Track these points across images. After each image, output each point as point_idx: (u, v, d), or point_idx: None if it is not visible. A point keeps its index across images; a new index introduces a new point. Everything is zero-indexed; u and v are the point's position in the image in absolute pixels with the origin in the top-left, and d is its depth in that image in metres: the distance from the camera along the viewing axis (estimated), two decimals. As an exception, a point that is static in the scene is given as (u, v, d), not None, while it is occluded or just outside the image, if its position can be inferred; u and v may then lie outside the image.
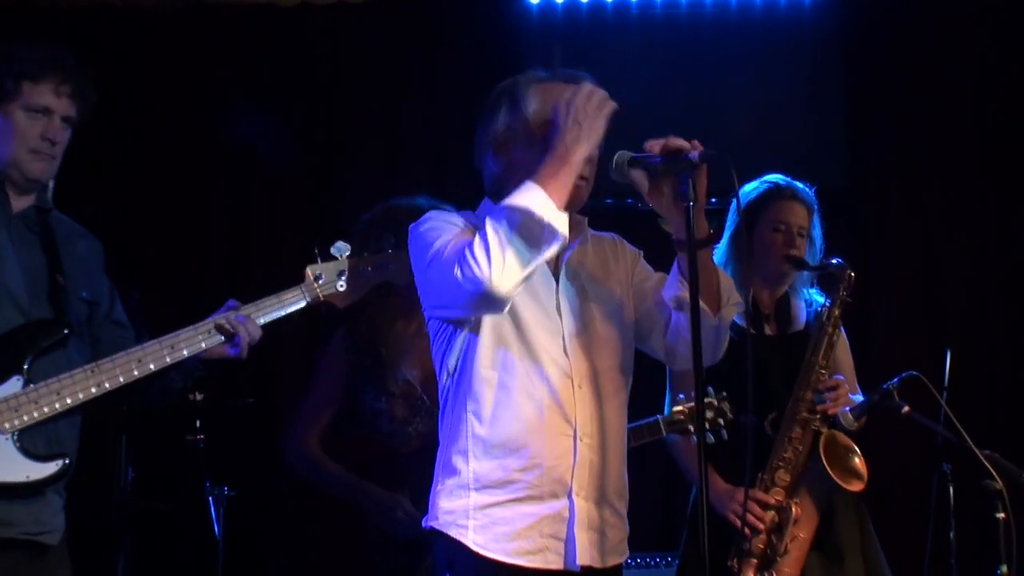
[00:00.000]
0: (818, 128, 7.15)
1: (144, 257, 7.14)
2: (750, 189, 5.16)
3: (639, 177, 3.44)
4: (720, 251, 5.08)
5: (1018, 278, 6.87)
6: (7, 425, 3.62)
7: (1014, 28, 7.26)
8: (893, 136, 7.20)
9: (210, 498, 5.96)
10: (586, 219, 3.75)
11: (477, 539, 3.42)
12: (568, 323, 3.59)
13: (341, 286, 4.02)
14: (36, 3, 7.53)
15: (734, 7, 7.21)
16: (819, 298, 5.17)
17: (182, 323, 3.95)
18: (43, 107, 3.85)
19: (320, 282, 3.99)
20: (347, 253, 4.04)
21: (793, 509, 4.80)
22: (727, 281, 3.65)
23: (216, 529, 5.95)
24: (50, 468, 3.70)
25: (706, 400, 4.31)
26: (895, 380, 4.77)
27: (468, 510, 3.46)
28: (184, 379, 3.96)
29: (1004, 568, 4.51)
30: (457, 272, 3.25)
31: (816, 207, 5.17)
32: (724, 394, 4.49)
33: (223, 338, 3.83)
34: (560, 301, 3.61)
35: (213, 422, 6.05)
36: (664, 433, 4.64)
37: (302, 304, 4.00)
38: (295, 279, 4.01)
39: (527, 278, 3.27)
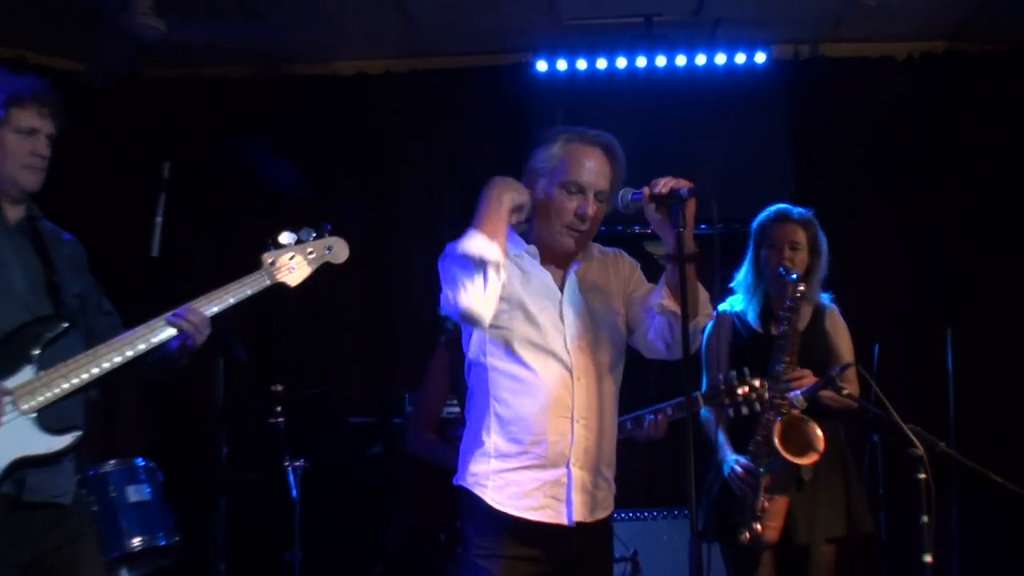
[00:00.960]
0: (770, 161, 7.08)
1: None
2: (758, 218, 5.11)
3: (647, 207, 3.45)
4: (743, 272, 5.13)
5: (928, 282, 6.85)
6: (25, 407, 3.46)
7: (926, 82, 7.22)
8: (828, 166, 7.18)
9: (288, 469, 5.86)
10: (592, 243, 3.78)
11: (494, 496, 3.53)
12: (570, 327, 3.62)
13: (292, 267, 3.85)
14: (146, 75, 7.42)
15: (702, 70, 7.10)
16: (826, 302, 5.09)
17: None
18: (30, 128, 3.69)
19: (274, 266, 3.82)
20: (293, 241, 3.88)
21: (763, 479, 4.68)
22: (704, 295, 3.61)
23: (294, 493, 5.84)
24: (66, 440, 3.55)
25: (748, 382, 4.24)
26: (836, 369, 4.61)
27: (488, 474, 3.56)
28: (160, 366, 3.78)
29: (925, 518, 4.36)
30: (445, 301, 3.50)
31: (813, 222, 5.00)
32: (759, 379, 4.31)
33: (175, 331, 3.65)
34: (563, 309, 3.64)
35: (290, 408, 5.89)
36: (702, 406, 4.51)
37: (265, 285, 3.82)
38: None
39: (486, 298, 3.40)
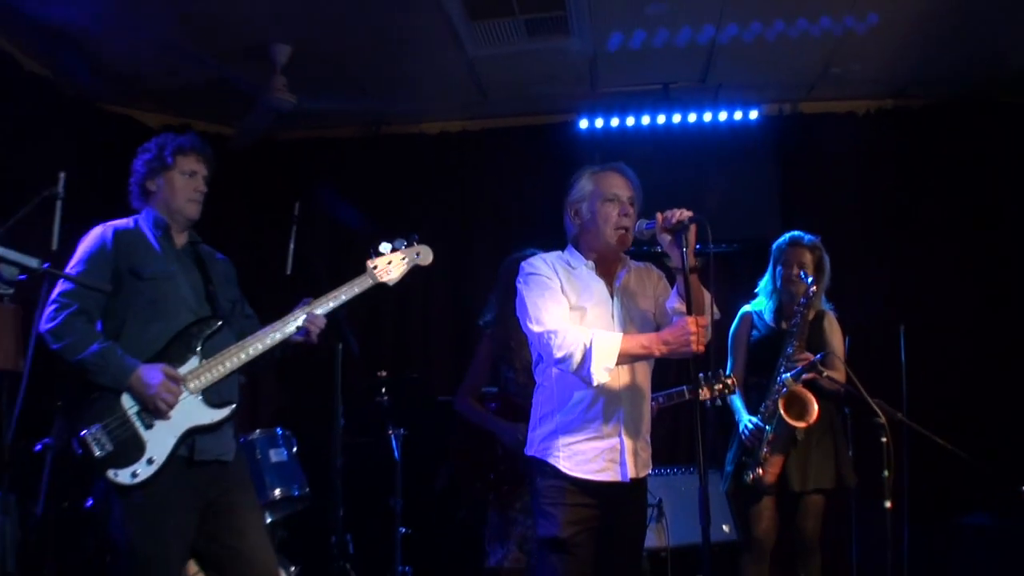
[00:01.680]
0: (762, 198, 7.06)
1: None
2: (777, 242, 5.22)
3: (659, 234, 3.50)
4: (763, 281, 5.27)
5: (884, 290, 6.88)
6: (192, 387, 3.61)
7: (880, 130, 7.22)
8: (805, 197, 7.17)
9: (391, 435, 5.94)
10: (628, 258, 3.85)
11: (565, 464, 3.58)
12: (617, 325, 3.65)
13: (389, 271, 3.97)
14: (279, 136, 7.53)
15: (708, 125, 7.10)
16: (826, 308, 5.20)
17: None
18: (191, 171, 3.87)
19: (376, 269, 3.95)
20: (390, 248, 4.00)
21: (768, 435, 4.86)
22: (708, 297, 3.62)
23: (396, 454, 5.93)
24: (225, 412, 3.69)
25: (723, 380, 4.28)
26: (818, 356, 4.77)
27: (558, 446, 3.60)
28: (282, 350, 3.88)
29: (886, 473, 4.46)
30: (554, 353, 3.48)
31: (819, 247, 5.11)
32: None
33: (297, 327, 3.81)
34: (614, 311, 3.70)
35: (392, 388, 6.00)
36: (687, 396, 4.58)
37: (369, 285, 3.94)
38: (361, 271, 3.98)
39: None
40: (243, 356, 3.70)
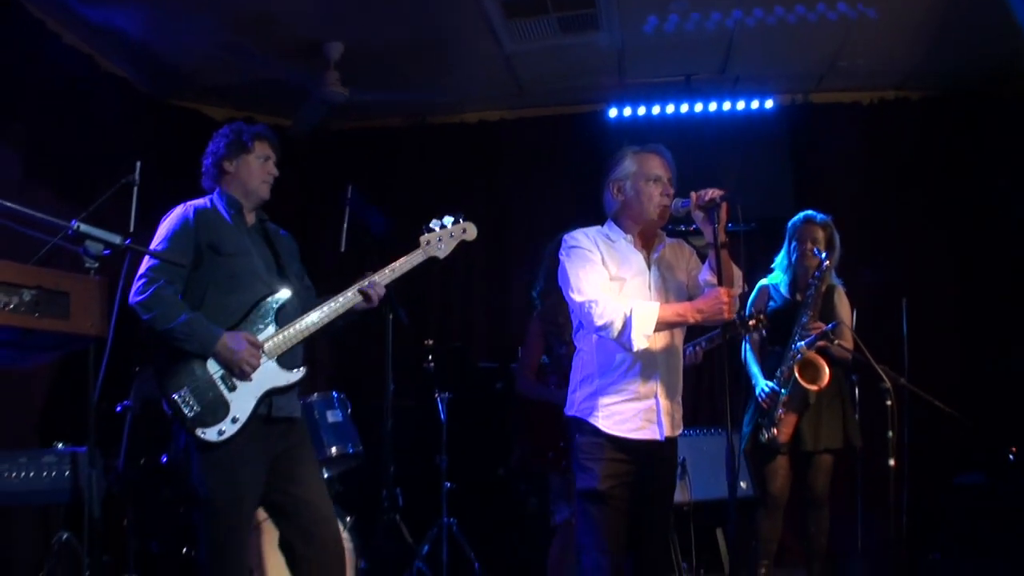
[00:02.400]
0: (777, 180, 7.04)
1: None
2: (792, 220, 5.25)
3: (693, 211, 3.53)
4: (779, 257, 5.30)
5: (889, 264, 6.86)
6: (269, 351, 3.68)
7: (883, 119, 7.21)
8: (816, 179, 7.12)
9: (437, 399, 6.01)
10: (663, 233, 3.82)
11: (604, 423, 3.60)
12: (654, 296, 3.65)
13: (440, 246, 3.98)
14: (332, 126, 7.58)
15: (727, 114, 7.11)
16: (836, 282, 5.21)
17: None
18: (266, 155, 3.93)
19: (428, 245, 3.96)
20: (439, 226, 4.02)
21: (783, 397, 4.89)
22: (738, 272, 3.68)
23: (442, 416, 6.00)
24: (298, 375, 3.75)
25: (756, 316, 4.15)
26: (830, 326, 4.81)
27: (598, 407, 3.61)
28: (345, 318, 3.89)
29: (891, 434, 4.49)
30: (595, 321, 3.51)
31: (830, 225, 5.15)
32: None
33: (362, 297, 3.83)
34: (651, 281, 3.69)
35: (438, 356, 6.05)
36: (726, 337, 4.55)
37: (422, 259, 3.96)
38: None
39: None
40: (313, 323, 3.75)
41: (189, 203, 3.85)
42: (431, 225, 4.00)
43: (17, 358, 3.66)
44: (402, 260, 3.93)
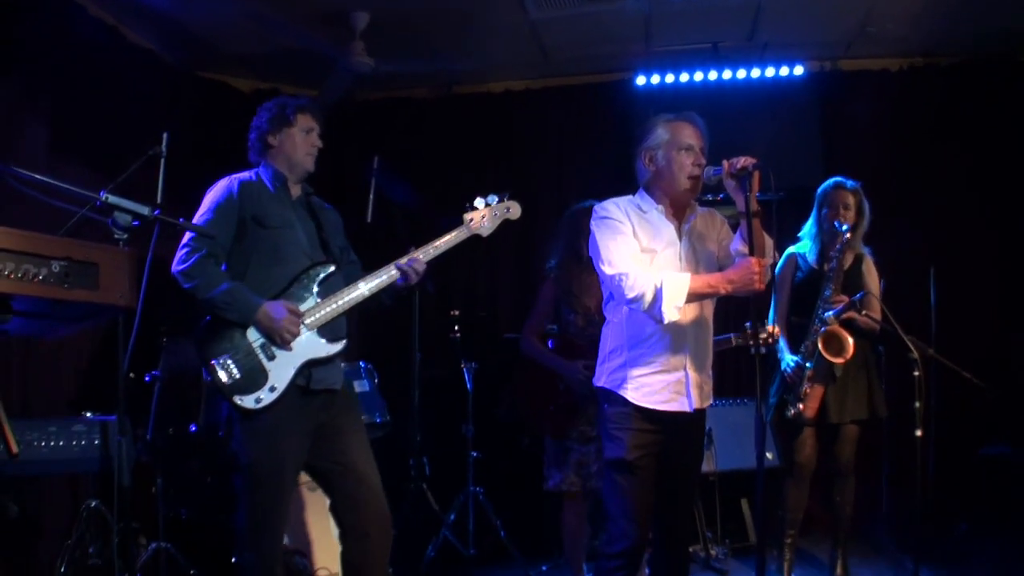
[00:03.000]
0: (806, 149, 7.00)
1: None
2: (821, 186, 5.21)
3: (725, 180, 3.49)
4: (808, 225, 5.27)
5: (918, 234, 6.85)
6: (310, 323, 3.72)
7: (912, 85, 7.17)
8: (846, 147, 7.07)
9: (463, 369, 6.05)
10: (696, 203, 3.79)
11: (633, 395, 3.60)
12: (685, 267, 3.62)
13: (484, 223, 3.99)
14: (357, 96, 7.57)
15: (755, 81, 7.06)
16: (865, 251, 5.18)
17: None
18: (309, 128, 3.95)
19: (472, 222, 3.97)
20: (484, 204, 4.00)
21: (808, 372, 4.88)
22: (769, 241, 3.65)
23: (468, 386, 6.04)
24: (337, 346, 3.80)
25: (766, 330, 4.46)
26: (857, 296, 4.79)
27: (627, 379, 3.61)
28: (388, 295, 3.95)
29: (918, 404, 4.45)
30: (626, 293, 3.50)
31: (859, 191, 5.10)
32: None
33: (399, 273, 3.84)
34: (681, 253, 3.67)
35: (464, 326, 6.07)
36: (733, 343, 4.76)
37: (465, 236, 3.97)
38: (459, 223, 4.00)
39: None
40: (354, 296, 3.79)
41: (234, 176, 3.90)
42: (475, 203, 4.00)
43: (47, 329, 3.70)
44: (446, 238, 3.93)
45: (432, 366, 6.22)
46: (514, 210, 4.06)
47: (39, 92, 5.45)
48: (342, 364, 4.01)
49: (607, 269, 3.58)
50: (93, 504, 4.78)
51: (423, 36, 6.72)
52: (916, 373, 4.51)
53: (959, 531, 6.06)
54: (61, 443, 4.31)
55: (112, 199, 3.08)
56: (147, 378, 5.12)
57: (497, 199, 4.02)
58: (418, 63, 7.22)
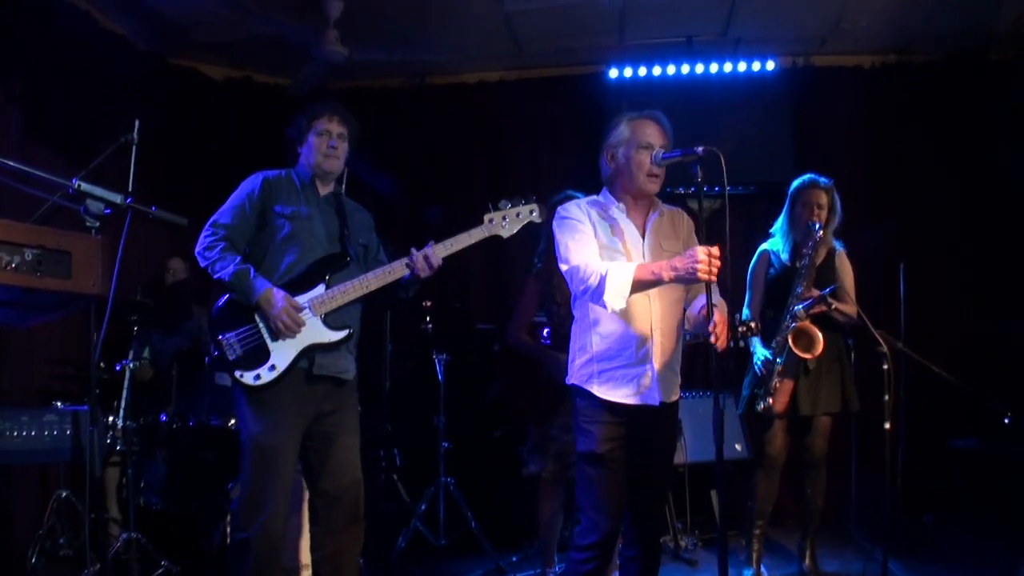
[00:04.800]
0: (777, 144, 7.04)
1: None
2: (794, 183, 5.17)
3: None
4: (780, 221, 5.23)
5: (889, 230, 6.85)
6: (318, 312, 3.84)
7: (884, 82, 7.23)
8: (817, 142, 7.17)
9: (436, 360, 6.04)
10: (659, 201, 3.77)
11: (600, 389, 3.60)
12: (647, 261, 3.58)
13: (504, 224, 3.99)
14: (331, 86, 7.53)
15: (728, 75, 7.10)
16: (838, 246, 5.19)
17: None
18: (324, 130, 4.02)
19: (492, 224, 3.98)
20: (508, 205, 4.00)
21: (778, 367, 4.89)
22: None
23: (439, 377, 6.03)
24: (342, 334, 3.89)
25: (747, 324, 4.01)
26: (827, 290, 4.80)
27: (593, 373, 3.62)
28: (405, 290, 4.05)
29: (887, 397, 4.49)
30: (577, 286, 3.52)
31: (832, 188, 5.08)
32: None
33: (407, 269, 3.91)
34: (645, 251, 3.65)
35: (436, 317, 6.07)
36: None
37: (485, 235, 3.97)
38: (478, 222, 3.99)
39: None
40: (364, 289, 3.89)
41: (264, 172, 4.05)
42: (500, 204, 4.01)
43: (19, 318, 3.66)
44: (463, 235, 3.97)
45: (404, 357, 6.23)
46: (537, 213, 4.06)
47: (12, 77, 5.41)
48: (354, 355, 4.09)
49: (563, 266, 3.60)
50: (63, 494, 4.75)
51: (397, 25, 6.71)
52: (885, 366, 4.54)
53: (927, 522, 6.13)
54: (33, 433, 4.26)
55: (84, 187, 3.06)
56: (118, 367, 5.09)
57: (522, 200, 4.03)
58: (392, 53, 7.20)
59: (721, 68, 7.06)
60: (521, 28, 6.81)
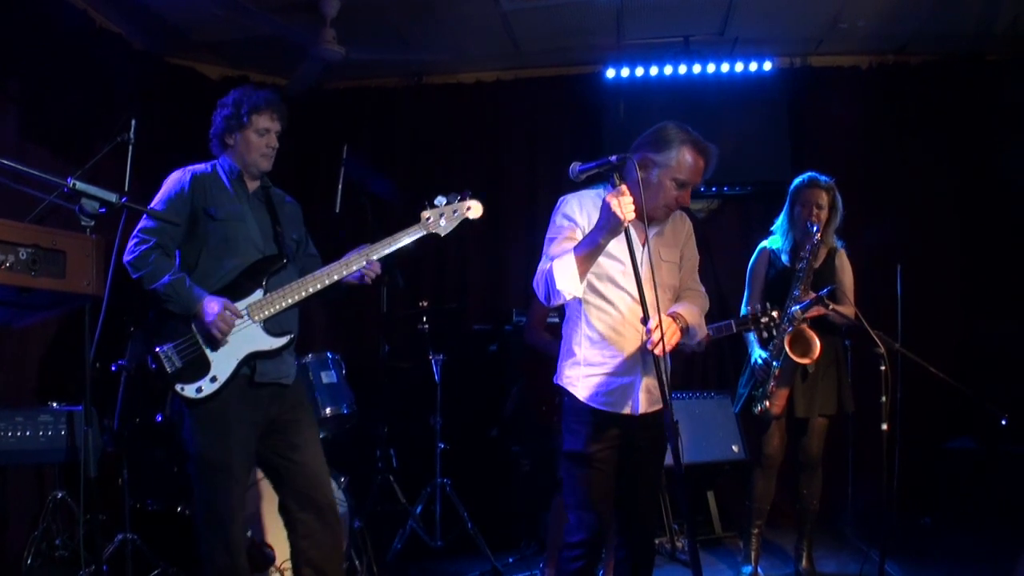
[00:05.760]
0: (775, 144, 7.03)
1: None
2: (795, 182, 5.15)
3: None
4: (780, 220, 5.22)
5: (886, 231, 6.86)
6: (256, 317, 3.76)
7: (881, 83, 7.23)
8: (814, 142, 7.16)
9: (432, 360, 6.05)
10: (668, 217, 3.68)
11: (584, 393, 3.56)
12: (645, 274, 3.38)
13: (441, 222, 3.91)
14: (328, 85, 7.53)
15: (725, 75, 7.08)
16: (839, 245, 5.16)
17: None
18: (265, 128, 3.90)
19: (429, 221, 3.90)
20: (444, 202, 3.93)
21: (775, 370, 4.88)
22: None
23: (436, 377, 6.04)
24: (283, 340, 3.81)
25: (770, 313, 4.25)
26: (824, 291, 4.75)
27: (579, 377, 3.59)
28: (341, 291, 3.97)
29: (884, 398, 4.48)
30: (537, 291, 3.51)
31: (833, 188, 5.07)
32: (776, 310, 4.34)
33: (353, 270, 3.84)
34: (642, 256, 3.44)
35: (432, 318, 6.06)
36: (735, 330, 4.55)
37: (421, 234, 3.91)
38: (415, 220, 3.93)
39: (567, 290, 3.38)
40: (303, 293, 3.79)
41: (188, 168, 3.90)
42: (435, 201, 3.94)
43: (13, 317, 3.65)
44: (399, 235, 3.89)
45: (400, 357, 6.22)
46: (475, 210, 3.97)
47: (9, 76, 5.39)
48: (294, 358, 4.01)
49: (539, 263, 3.56)
50: (59, 495, 4.74)
51: (394, 25, 6.69)
52: (882, 367, 4.54)
53: (924, 524, 6.14)
54: (27, 433, 4.28)
55: (80, 185, 3.05)
56: (113, 367, 5.07)
57: (458, 197, 3.96)
58: (389, 52, 7.18)
59: (718, 68, 7.05)
60: (518, 28, 6.79)
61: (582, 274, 3.38)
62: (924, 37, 6.89)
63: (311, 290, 3.81)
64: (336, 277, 3.84)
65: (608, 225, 3.24)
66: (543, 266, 3.47)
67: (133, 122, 4.61)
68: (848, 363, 5.29)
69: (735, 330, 4.60)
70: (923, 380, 4.99)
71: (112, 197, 3.10)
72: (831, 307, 4.81)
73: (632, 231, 3.51)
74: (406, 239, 3.90)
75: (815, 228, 4.89)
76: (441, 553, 5.90)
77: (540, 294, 3.48)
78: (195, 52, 7.10)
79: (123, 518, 4.81)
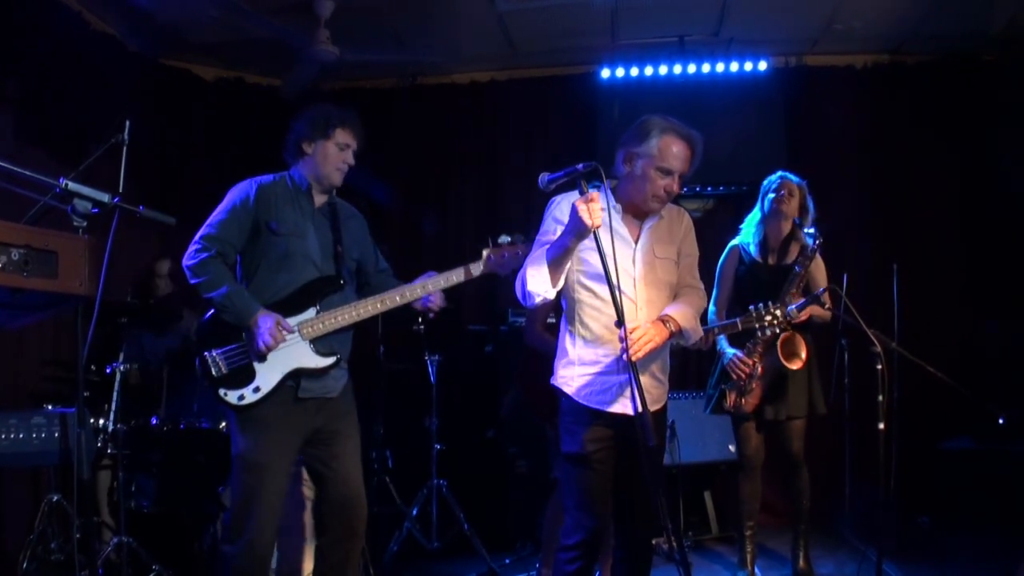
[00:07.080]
0: (770, 144, 7.01)
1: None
2: (766, 181, 5.16)
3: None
4: (751, 215, 5.22)
5: (882, 230, 6.90)
6: (305, 334, 3.78)
7: (877, 83, 7.24)
8: (809, 141, 7.17)
9: (427, 361, 6.02)
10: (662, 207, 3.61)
11: (578, 393, 3.54)
12: (638, 270, 3.54)
13: (501, 264, 3.95)
14: (323, 86, 7.51)
15: (720, 75, 7.08)
16: (809, 239, 5.04)
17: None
18: (346, 144, 3.91)
19: (491, 261, 3.95)
20: (508, 242, 3.97)
21: (758, 368, 4.88)
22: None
23: (432, 378, 6.02)
24: (329, 361, 3.83)
25: (772, 311, 4.17)
26: (820, 291, 4.74)
27: (573, 377, 3.57)
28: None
29: (880, 397, 4.44)
30: (517, 295, 3.51)
31: (804, 187, 5.09)
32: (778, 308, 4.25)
33: (422, 295, 3.94)
34: (636, 256, 3.56)
35: (427, 318, 5.99)
36: (740, 328, 4.43)
37: (481, 271, 3.96)
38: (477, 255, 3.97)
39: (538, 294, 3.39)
40: (354, 315, 3.84)
41: (256, 179, 3.92)
42: (499, 240, 3.99)
43: (6, 319, 3.63)
44: (460, 270, 3.98)
45: (395, 358, 6.20)
46: (521, 253, 3.93)
47: (4, 78, 5.39)
48: (345, 371, 4.02)
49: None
50: (55, 498, 4.72)
51: (389, 25, 6.69)
52: (879, 367, 4.52)
53: (921, 524, 6.12)
54: (21, 436, 4.26)
55: (72, 186, 3.03)
56: (108, 369, 5.05)
57: (523, 239, 3.98)
58: (384, 53, 7.17)
59: (713, 68, 7.05)
60: (513, 28, 6.79)
61: (554, 276, 3.38)
62: (919, 37, 6.89)
63: (364, 313, 3.85)
64: (390, 305, 3.90)
65: (575, 230, 3.22)
66: (518, 278, 3.48)
67: (127, 123, 4.59)
68: (845, 362, 5.28)
69: (740, 328, 4.59)
70: (920, 379, 4.97)
71: (104, 197, 3.08)
72: (827, 306, 4.80)
73: (625, 229, 3.56)
74: (467, 274, 3.99)
75: (813, 242, 4.87)
76: (437, 554, 5.87)
77: (516, 294, 3.50)
78: (190, 54, 7.09)
79: (118, 521, 4.79)
